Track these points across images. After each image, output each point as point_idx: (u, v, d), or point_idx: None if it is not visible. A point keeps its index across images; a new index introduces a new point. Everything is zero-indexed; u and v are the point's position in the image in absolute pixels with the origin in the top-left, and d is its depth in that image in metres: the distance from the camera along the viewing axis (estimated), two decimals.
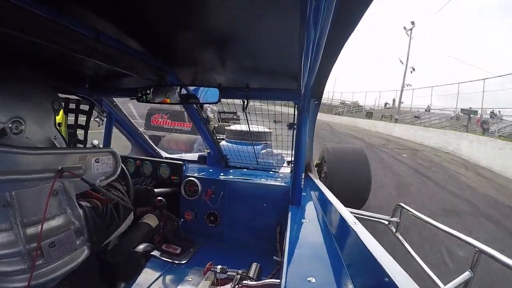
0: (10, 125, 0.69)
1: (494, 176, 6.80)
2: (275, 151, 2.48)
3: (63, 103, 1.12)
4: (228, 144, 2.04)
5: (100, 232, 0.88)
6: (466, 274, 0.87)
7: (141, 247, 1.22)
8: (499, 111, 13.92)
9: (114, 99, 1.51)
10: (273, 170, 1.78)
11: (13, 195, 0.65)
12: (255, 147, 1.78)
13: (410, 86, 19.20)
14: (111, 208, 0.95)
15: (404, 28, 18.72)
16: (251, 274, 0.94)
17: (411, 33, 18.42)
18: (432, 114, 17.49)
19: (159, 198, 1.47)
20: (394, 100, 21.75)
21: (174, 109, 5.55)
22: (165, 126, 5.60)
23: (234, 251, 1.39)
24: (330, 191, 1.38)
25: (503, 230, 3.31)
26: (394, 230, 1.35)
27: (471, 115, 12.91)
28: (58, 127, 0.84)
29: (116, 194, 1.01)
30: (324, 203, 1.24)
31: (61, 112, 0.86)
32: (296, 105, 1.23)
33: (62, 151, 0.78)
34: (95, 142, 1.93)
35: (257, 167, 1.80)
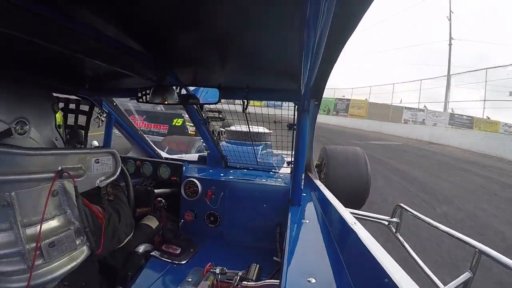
0: (15, 126, 0.70)
1: None
2: (275, 151, 2.49)
3: (63, 104, 1.12)
4: (228, 144, 2.04)
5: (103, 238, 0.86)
6: (466, 275, 0.86)
7: (141, 247, 1.22)
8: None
9: (114, 99, 1.52)
10: (273, 170, 1.78)
11: (13, 195, 0.65)
12: (255, 147, 1.78)
13: None
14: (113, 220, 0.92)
15: None
16: (250, 275, 0.94)
17: None
18: None
19: (159, 198, 1.47)
20: None
21: (153, 110, 5.49)
22: (141, 128, 5.55)
23: (234, 252, 1.39)
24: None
25: None
26: (394, 230, 1.35)
27: None
28: (58, 129, 0.85)
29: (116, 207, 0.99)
30: (324, 203, 1.24)
31: (60, 113, 0.87)
32: (296, 106, 1.23)
33: (62, 151, 0.78)
34: (95, 143, 1.93)
35: (257, 167, 1.80)
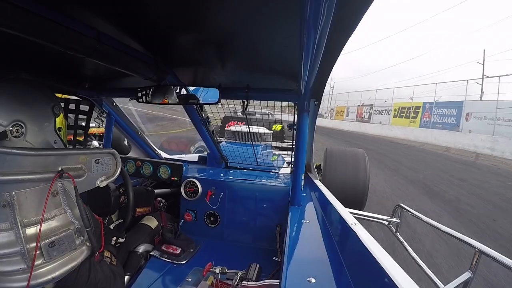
0: (11, 128, 0.69)
1: None
2: (275, 151, 2.49)
3: (62, 105, 1.12)
4: (228, 144, 2.04)
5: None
6: (466, 275, 0.86)
7: (141, 247, 1.22)
8: None
9: (114, 99, 1.52)
10: (273, 170, 1.78)
11: (13, 195, 0.65)
12: (255, 147, 1.78)
13: None
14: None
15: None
16: (250, 275, 0.94)
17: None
18: None
19: (159, 199, 1.47)
20: None
21: (248, 117, 5.64)
22: None
23: (234, 252, 1.39)
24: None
25: None
26: (394, 230, 1.35)
27: None
28: (58, 132, 0.84)
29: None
30: (324, 203, 1.24)
31: (61, 116, 0.85)
32: (296, 106, 1.23)
33: (62, 152, 0.78)
34: (95, 143, 1.94)
35: (257, 167, 1.80)
